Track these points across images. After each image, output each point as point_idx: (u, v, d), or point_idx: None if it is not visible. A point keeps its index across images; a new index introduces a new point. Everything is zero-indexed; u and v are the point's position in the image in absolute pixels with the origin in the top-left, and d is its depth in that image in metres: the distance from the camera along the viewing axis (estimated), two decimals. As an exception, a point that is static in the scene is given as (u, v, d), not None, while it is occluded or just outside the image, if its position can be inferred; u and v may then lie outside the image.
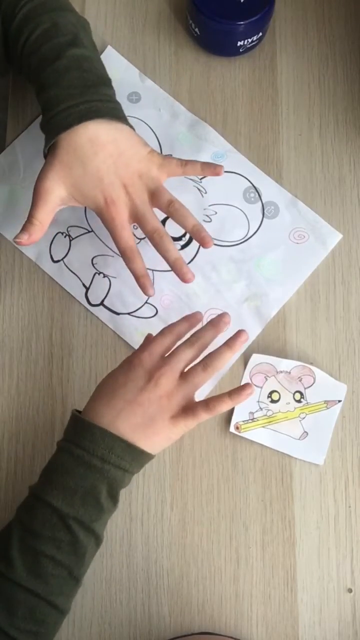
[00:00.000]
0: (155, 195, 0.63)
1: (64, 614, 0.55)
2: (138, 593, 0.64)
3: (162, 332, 0.60)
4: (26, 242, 0.60)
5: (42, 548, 0.52)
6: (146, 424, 0.56)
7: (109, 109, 0.62)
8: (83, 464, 0.53)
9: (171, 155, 0.73)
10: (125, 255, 0.63)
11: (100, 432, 0.54)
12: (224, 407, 0.57)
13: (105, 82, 0.64)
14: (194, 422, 0.57)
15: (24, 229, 0.60)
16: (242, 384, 0.68)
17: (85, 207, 0.72)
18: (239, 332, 0.60)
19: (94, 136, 0.60)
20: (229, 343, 0.59)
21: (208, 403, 0.57)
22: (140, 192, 0.63)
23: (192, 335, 0.60)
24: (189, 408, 0.57)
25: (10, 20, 0.64)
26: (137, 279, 0.63)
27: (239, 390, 0.58)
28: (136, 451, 0.55)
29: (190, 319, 0.63)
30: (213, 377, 0.67)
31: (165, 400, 0.56)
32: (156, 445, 0.57)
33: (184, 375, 0.58)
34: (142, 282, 0.63)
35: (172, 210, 0.63)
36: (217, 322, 0.61)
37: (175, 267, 0.63)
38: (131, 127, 0.64)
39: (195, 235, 0.64)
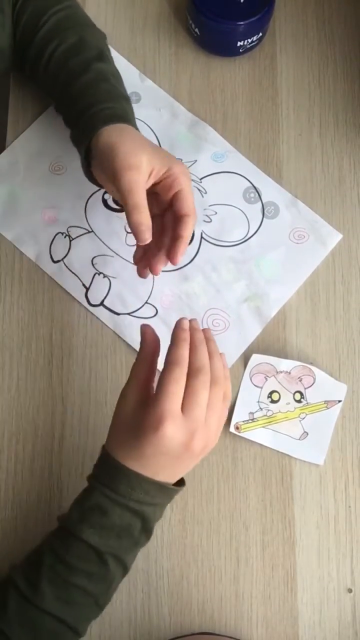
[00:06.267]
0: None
1: (81, 637, 0.55)
2: (138, 593, 0.64)
3: (173, 375, 0.51)
4: (146, 237, 0.58)
5: (74, 579, 0.53)
6: (181, 473, 0.55)
7: (128, 119, 0.63)
8: (119, 505, 0.53)
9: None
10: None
11: (136, 477, 0.53)
12: None
13: (127, 99, 0.66)
14: None
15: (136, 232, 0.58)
16: (241, 384, 0.68)
17: (85, 208, 0.72)
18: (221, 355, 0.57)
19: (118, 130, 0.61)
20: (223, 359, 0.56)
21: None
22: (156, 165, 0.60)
23: (204, 372, 0.53)
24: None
25: (33, 32, 0.66)
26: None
27: None
28: (170, 489, 0.55)
29: (187, 337, 0.54)
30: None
31: (198, 456, 0.54)
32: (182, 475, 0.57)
33: (207, 420, 0.53)
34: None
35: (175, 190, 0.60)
36: (215, 350, 0.56)
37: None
38: None
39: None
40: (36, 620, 0.52)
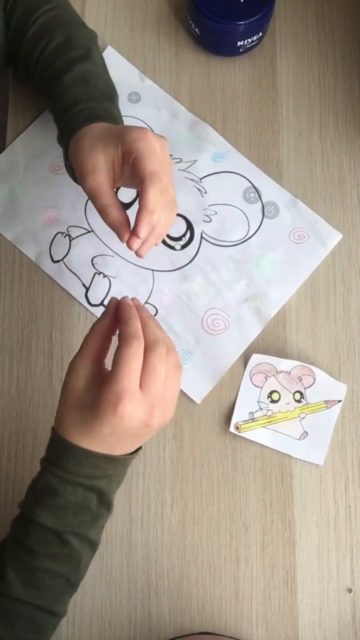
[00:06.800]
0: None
1: (61, 617, 0.55)
2: (138, 593, 0.64)
3: (132, 351, 0.50)
4: (123, 235, 0.58)
5: (39, 563, 0.52)
6: (138, 445, 0.54)
7: (104, 117, 0.61)
8: (70, 483, 0.52)
9: (171, 155, 0.73)
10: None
11: (83, 453, 0.52)
12: None
13: (108, 97, 0.65)
14: None
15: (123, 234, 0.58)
16: (241, 384, 0.68)
17: (85, 208, 0.72)
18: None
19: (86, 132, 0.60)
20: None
21: None
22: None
23: (160, 345, 0.51)
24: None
25: (23, 32, 0.66)
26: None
27: None
28: (121, 460, 0.54)
29: (136, 313, 0.53)
30: (214, 378, 0.68)
31: (157, 430, 0.53)
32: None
33: (164, 394, 0.52)
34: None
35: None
36: (158, 323, 0.54)
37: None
38: None
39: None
40: (9, 609, 0.52)
